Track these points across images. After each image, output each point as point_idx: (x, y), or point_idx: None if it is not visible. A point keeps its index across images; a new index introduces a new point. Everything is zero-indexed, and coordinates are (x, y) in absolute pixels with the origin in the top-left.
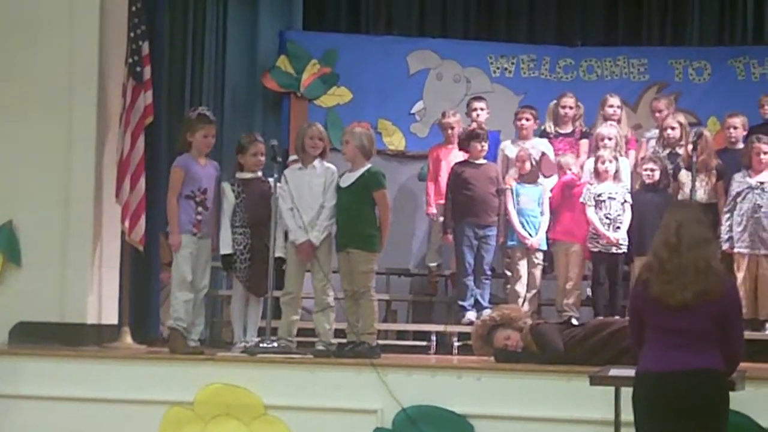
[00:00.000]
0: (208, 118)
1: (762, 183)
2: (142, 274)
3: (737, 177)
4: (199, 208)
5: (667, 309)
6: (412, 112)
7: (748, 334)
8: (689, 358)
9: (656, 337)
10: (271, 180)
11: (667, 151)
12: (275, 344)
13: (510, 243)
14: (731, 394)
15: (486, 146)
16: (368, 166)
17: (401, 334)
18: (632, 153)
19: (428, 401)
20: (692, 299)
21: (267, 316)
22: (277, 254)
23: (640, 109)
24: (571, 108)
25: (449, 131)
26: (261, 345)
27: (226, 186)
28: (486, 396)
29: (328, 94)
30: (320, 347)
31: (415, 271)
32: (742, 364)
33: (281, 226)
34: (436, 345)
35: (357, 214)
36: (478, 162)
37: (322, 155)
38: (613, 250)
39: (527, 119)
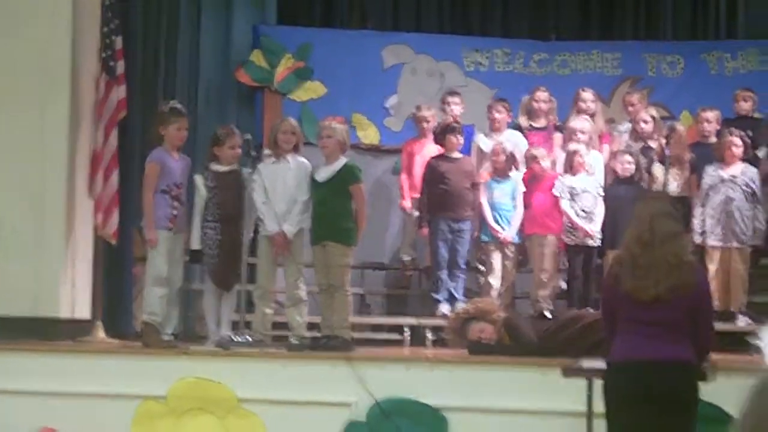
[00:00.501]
0: (181, 111)
1: (734, 176)
2: (115, 268)
3: (710, 170)
4: (175, 203)
5: (639, 302)
6: (386, 106)
7: (720, 326)
8: (660, 349)
9: (628, 329)
10: (245, 173)
11: (640, 144)
12: (249, 338)
13: (484, 237)
14: (702, 385)
15: (461, 140)
16: (345, 160)
17: (375, 328)
18: (606, 147)
19: (402, 394)
20: (664, 293)
21: (240, 311)
22: (248, 250)
23: (613, 103)
24: (544, 102)
25: (423, 125)
26: (234, 339)
27: (199, 179)
28: (460, 389)
29: (302, 88)
30: (294, 341)
31: (389, 265)
32: (714, 356)
33: (253, 222)
34: (411, 338)
35: (334, 208)
36: (453, 156)
37: (295, 150)
38: (589, 242)
39: (500, 113)
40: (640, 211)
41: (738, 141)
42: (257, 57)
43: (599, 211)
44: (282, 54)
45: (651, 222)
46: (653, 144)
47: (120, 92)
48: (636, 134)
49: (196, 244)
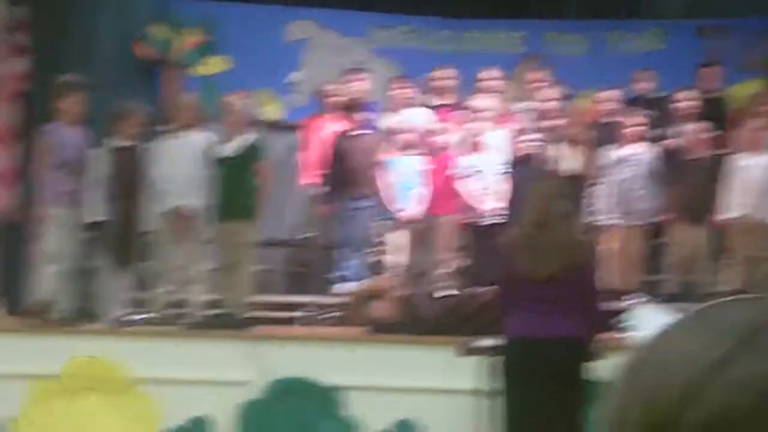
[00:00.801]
0: (78, 84)
1: (633, 156)
2: (11, 245)
3: (608, 150)
4: (71, 179)
5: (534, 281)
6: (290, 82)
7: (618, 305)
8: (554, 326)
9: (523, 307)
10: (144, 148)
11: (543, 123)
12: (145, 316)
13: (385, 215)
14: (595, 363)
15: (365, 117)
16: (250, 136)
17: (275, 306)
18: (508, 125)
19: (300, 373)
20: (558, 272)
21: (137, 288)
22: (146, 227)
23: (516, 81)
24: (448, 79)
25: (328, 102)
26: (131, 317)
27: (97, 154)
28: (358, 367)
29: (205, 63)
30: (191, 319)
31: (290, 242)
32: (607, 334)
33: (151, 198)
34: (310, 316)
35: (239, 185)
36: (357, 133)
37: (195, 125)
38: (488, 221)
39: (404, 90)
40: (536, 192)
41: (636, 120)
42: (158, 30)
43: (500, 190)
44: (184, 27)
45: (546, 203)
46: (555, 123)
47: (19, 65)
48: (539, 113)
49: (92, 219)
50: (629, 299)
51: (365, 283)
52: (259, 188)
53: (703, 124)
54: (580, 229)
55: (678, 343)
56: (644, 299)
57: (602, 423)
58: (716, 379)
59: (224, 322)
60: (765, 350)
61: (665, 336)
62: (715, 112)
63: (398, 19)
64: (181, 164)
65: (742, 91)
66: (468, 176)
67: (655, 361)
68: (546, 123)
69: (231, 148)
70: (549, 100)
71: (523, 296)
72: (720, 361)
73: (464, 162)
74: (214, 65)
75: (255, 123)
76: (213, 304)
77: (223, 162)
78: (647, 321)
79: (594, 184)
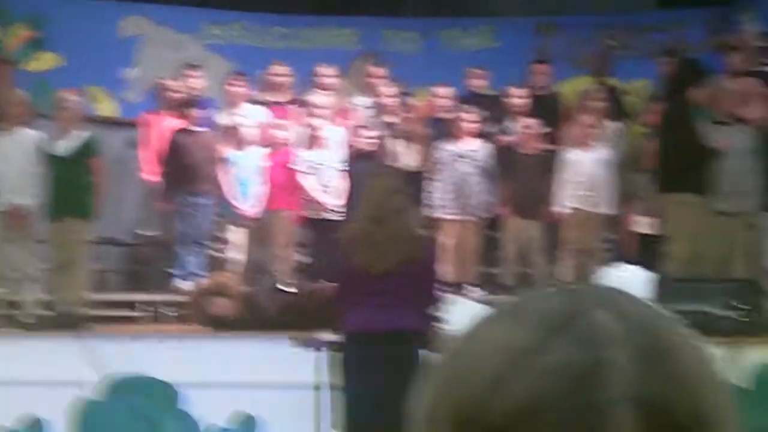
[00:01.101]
0: None
1: (468, 152)
2: None
3: (444, 145)
4: None
5: (372, 276)
6: (124, 78)
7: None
8: (391, 319)
9: (361, 301)
10: None
11: (380, 119)
12: None
13: (224, 211)
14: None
15: (201, 114)
16: (84, 133)
17: (113, 304)
18: (346, 122)
19: (138, 370)
20: (395, 267)
21: None
22: None
23: (353, 78)
24: (283, 76)
25: (163, 98)
26: None
27: None
28: (199, 363)
29: (36, 59)
30: (25, 319)
31: (128, 240)
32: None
33: None
34: (149, 314)
35: (73, 182)
36: (193, 130)
37: (27, 121)
38: (328, 216)
39: (239, 87)
40: (371, 188)
41: (471, 117)
42: None
43: (340, 186)
44: (13, 23)
45: (382, 198)
46: (392, 119)
47: None
48: (376, 109)
49: None
50: (465, 292)
51: (205, 280)
52: (95, 185)
53: (536, 121)
54: (417, 223)
55: (489, 333)
56: (478, 292)
57: (415, 417)
58: (525, 367)
59: (60, 322)
60: (574, 338)
61: (477, 328)
62: (546, 108)
63: (231, 16)
64: (12, 161)
65: (573, 87)
66: (307, 172)
67: (466, 352)
68: (383, 119)
69: (64, 145)
70: (386, 96)
71: (361, 291)
72: (530, 349)
73: (303, 158)
74: (45, 61)
75: (89, 119)
76: (48, 304)
77: (57, 159)
78: (464, 313)
79: (431, 179)
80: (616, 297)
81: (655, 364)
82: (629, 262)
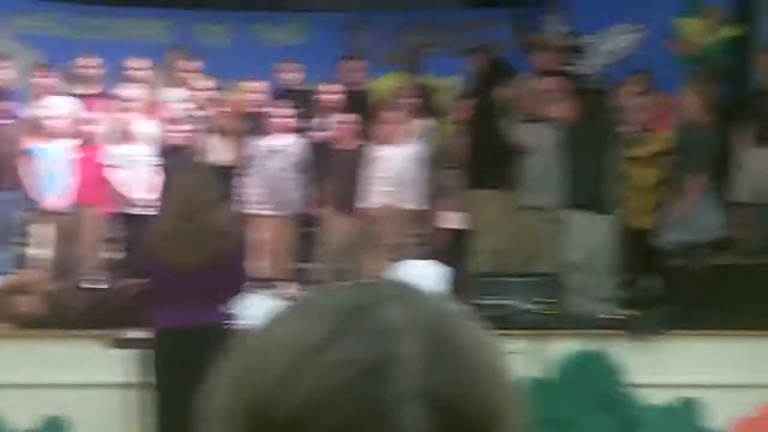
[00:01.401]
0: None
1: (282, 147)
2: None
3: (257, 140)
4: None
5: (180, 271)
6: None
7: (279, 293)
8: (202, 316)
9: (171, 297)
10: None
11: (192, 113)
12: None
13: (30, 206)
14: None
15: (8, 106)
16: None
17: None
18: (158, 115)
19: None
20: (204, 262)
21: None
22: None
23: (164, 71)
24: (93, 68)
25: None
26: None
27: None
28: (4, 364)
29: None
30: None
31: None
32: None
33: None
34: None
35: None
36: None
37: None
38: (138, 212)
39: (48, 78)
40: (180, 182)
41: (284, 112)
42: None
43: (151, 181)
44: None
45: (190, 193)
46: (205, 114)
47: None
48: (189, 103)
49: None
50: (280, 288)
51: (10, 278)
52: None
53: (348, 116)
54: (228, 218)
55: (280, 329)
56: (294, 288)
57: (207, 414)
58: (313, 362)
59: None
60: (361, 333)
61: (269, 324)
62: (359, 104)
63: (41, 5)
64: None
65: (384, 84)
66: (117, 166)
67: (257, 349)
68: (196, 113)
69: None
70: (199, 90)
71: (171, 287)
72: (319, 345)
73: (114, 152)
74: None
75: None
76: None
77: None
78: (260, 309)
79: (244, 175)
80: (407, 292)
81: (444, 358)
82: (426, 257)
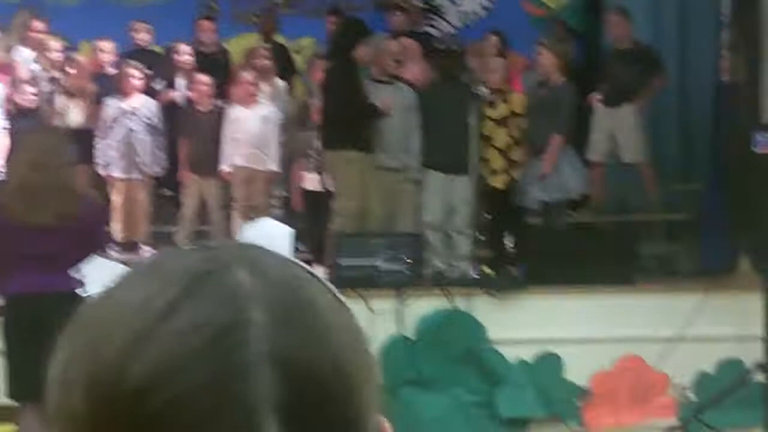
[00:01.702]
0: None
1: (134, 108)
2: None
3: (110, 102)
4: None
5: (28, 231)
6: None
7: (126, 257)
8: (50, 280)
9: (20, 263)
10: None
11: (44, 75)
12: None
13: None
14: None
15: None
16: None
17: None
18: (6, 77)
19: None
20: (53, 222)
21: None
22: None
23: (14, 32)
24: None
25: None
26: None
27: None
28: None
29: None
30: None
31: None
32: None
33: None
34: None
35: None
36: None
37: None
38: None
39: None
40: (29, 142)
41: (136, 73)
42: None
43: (2, 144)
44: None
45: (39, 152)
46: (56, 74)
47: None
48: (40, 65)
49: None
50: (138, 251)
51: None
52: None
53: (204, 78)
54: (81, 181)
55: (124, 294)
56: (150, 251)
57: (50, 382)
58: (160, 328)
59: None
60: (207, 297)
61: (113, 289)
62: (215, 65)
63: None
64: None
65: (239, 44)
66: None
67: (100, 315)
68: (48, 74)
69: None
70: (50, 50)
71: (20, 252)
72: (165, 309)
73: None
74: None
75: None
76: None
77: None
78: (100, 274)
79: (98, 137)
80: (255, 254)
81: (294, 321)
82: (284, 219)
